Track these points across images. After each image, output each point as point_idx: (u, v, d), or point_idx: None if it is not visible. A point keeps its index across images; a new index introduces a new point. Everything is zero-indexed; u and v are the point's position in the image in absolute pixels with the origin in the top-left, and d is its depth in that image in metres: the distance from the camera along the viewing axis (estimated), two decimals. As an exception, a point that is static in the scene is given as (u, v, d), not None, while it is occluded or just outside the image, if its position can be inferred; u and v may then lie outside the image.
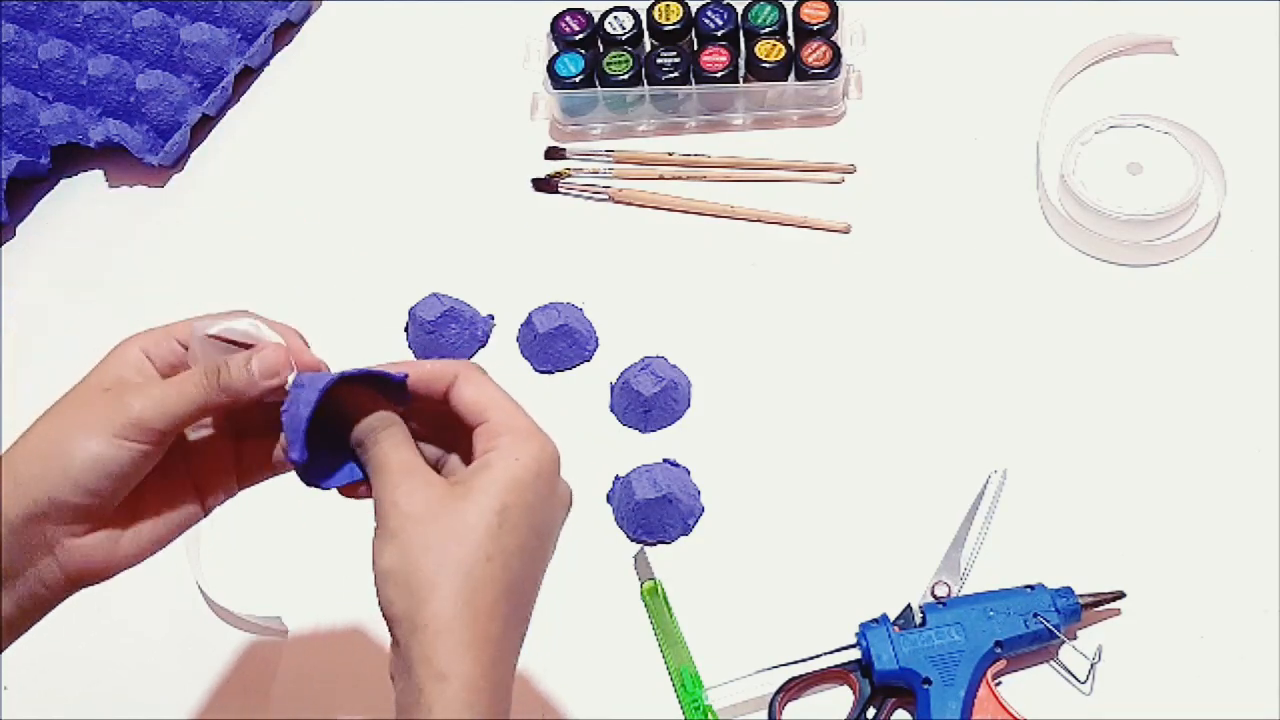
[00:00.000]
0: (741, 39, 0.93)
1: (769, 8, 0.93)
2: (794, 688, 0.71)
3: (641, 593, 0.76)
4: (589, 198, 0.93)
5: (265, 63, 1.04)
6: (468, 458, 0.55)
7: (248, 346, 0.55)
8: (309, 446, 0.53)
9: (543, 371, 0.85)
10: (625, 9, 0.95)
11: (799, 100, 0.93)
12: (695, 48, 0.94)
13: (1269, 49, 0.91)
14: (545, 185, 0.93)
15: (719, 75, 0.91)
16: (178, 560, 0.79)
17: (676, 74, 0.92)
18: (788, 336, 0.84)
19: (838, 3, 0.93)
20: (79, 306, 0.94)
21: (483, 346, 0.87)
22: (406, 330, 0.87)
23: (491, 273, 0.90)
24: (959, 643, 0.69)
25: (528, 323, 0.85)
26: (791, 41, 0.93)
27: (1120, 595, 0.71)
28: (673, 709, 0.72)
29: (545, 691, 0.73)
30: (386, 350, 0.87)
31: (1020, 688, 0.70)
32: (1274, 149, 0.87)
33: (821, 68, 0.90)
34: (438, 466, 0.56)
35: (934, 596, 0.72)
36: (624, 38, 0.94)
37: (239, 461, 0.58)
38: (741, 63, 0.93)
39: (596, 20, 0.95)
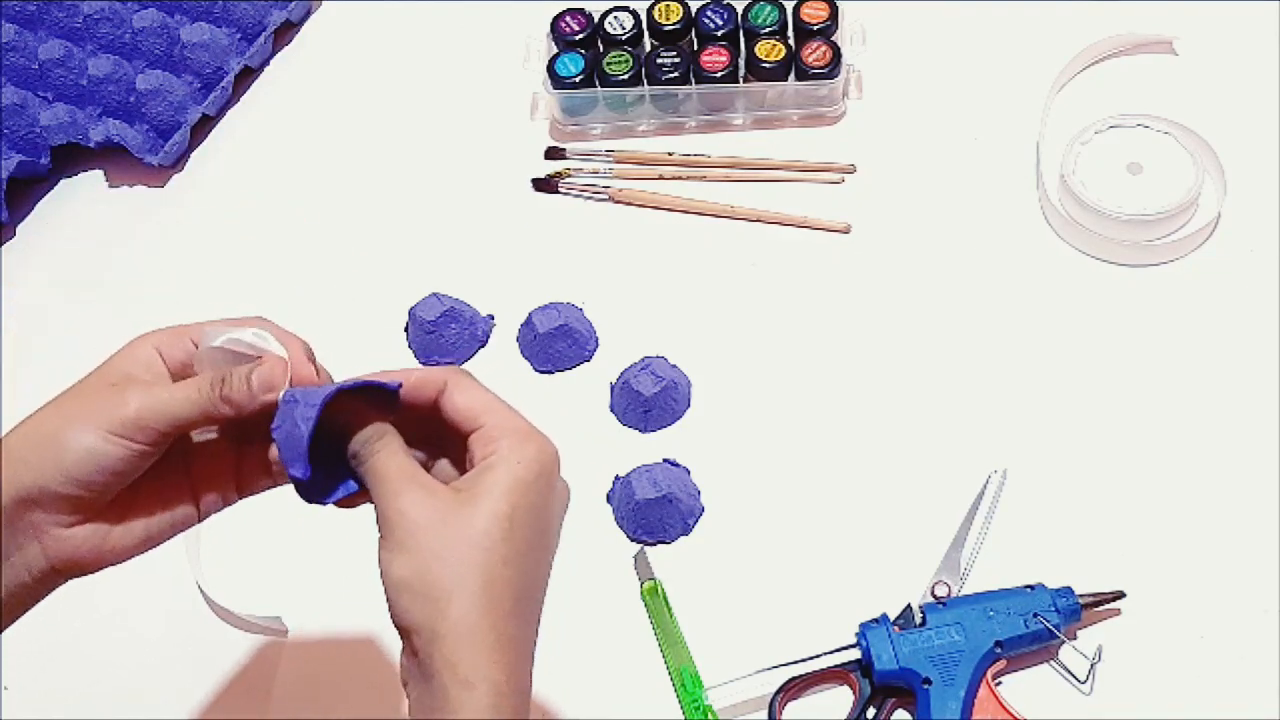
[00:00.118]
0: (741, 39, 0.93)
1: (769, 8, 0.93)
2: (794, 688, 0.71)
3: (641, 593, 0.76)
4: (589, 198, 0.93)
5: (265, 63, 1.04)
6: (461, 464, 0.55)
7: (256, 357, 0.55)
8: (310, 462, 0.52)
9: (543, 371, 0.85)
10: (625, 9, 0.95)
11: (799, 100, 0.93)
12: (695, 48, 0.93)
13: (1269, 49, 0.91)
14: (545, 185, 0.93)
15: (719, 75, 0.91)
16: (177, 560, 0.79)
17: (676, 74, 0.92)
18: (788, 336, 0.84)
19: (838, 3, 0.93)
20: (79, 306, 0.94)
21: (483, 346, 0.87)
22: (406, 330, 0.87)
23: (491, 273, 0.90)
24: (959, 643, 0.69)
25: (528, 323, 0.85)
26: (791, 41, 0.93)
27: (1120, 595, 0.71)
28: (673, 709, 0.72)
29: (545, 691, 0.73)
30: (387, 350, 0.87)
31: (1020, 688, 0.70)
32: (1274, 149, 0.87)
33: (821, 68, 0.90)
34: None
35: (934, 596, 0.72)
36: (624, 38, 0.94)
37: (239, 468, 0.58)
38: (741, 63, 0.93)
39: (596, 20, 0.95)
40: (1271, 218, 0.84)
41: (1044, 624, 0.69)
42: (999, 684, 0.69)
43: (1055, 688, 0.70)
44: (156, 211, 0.98)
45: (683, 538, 0.78)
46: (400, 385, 0.54)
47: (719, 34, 0.93)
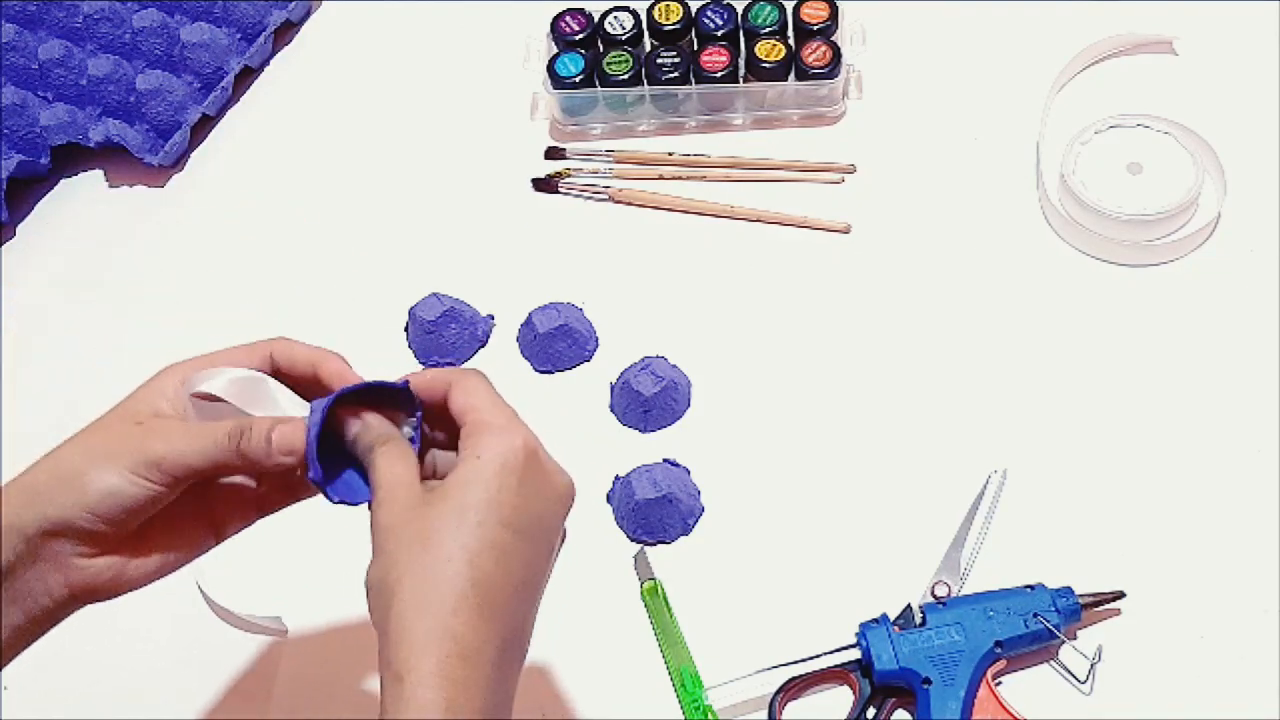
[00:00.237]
0: (741, 39, 0.93)
1: (769, 8, 0.93)
2: (794, 688, 0.71)
3: (641, 593, 0.76)
4: (589, 198, 0.93)
5: (265, 63, 1.04)
6: None
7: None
8: (323, 464, 0.54)
9: (543, 371, 0.85)
10: (625, 9, 0.95)
11: (799, 100, 0.93)
12: (695, 48, 0.93)
13: (1269, 49, 0.91)
14: (545, 185, 0.93)
15: (719, 75, 0.91)
16: (178, 560, 0.79)
17: (676, 74, 0.92)
18: (788, 336, 0.84)
19: (838, 3, 0.93)
20: (79, 306, 0.94)
21: (483, 346, 0.87)
22: (406, 330, 0.87)
23: (491, 273, 0.90)
24: (959, 643, 0.69)
25: (528, 323, 0.85)
26: (791, 41, 0.93)
27: (1120, 595, 0.71)
28: (673, 709, 0.72)
29: (545, 691, 0.73)
30: (387, 350, 0.87)
31: (1020, 688, 0.70)
32: (1274, 149, 0.87)
33: (821, 68, 0.90)
34: None
35: (934, 596, 0.72)
36: (624, 38, 0.94)
37: (259, 494, 0.59)
38: (741, 63, 0.93)
39: (596, 20, 0.95)
40: (1271, 218, 0.84)
41: (1044, 624, 0.69)
42: (999, 684, 0.69)
43: (1055, 688, 0.70)
44: (156, 211, 0.98)
45: (683, 538, 0.78)
46: (407, 384, 0.55)
47: (719, 34, 0.93)
